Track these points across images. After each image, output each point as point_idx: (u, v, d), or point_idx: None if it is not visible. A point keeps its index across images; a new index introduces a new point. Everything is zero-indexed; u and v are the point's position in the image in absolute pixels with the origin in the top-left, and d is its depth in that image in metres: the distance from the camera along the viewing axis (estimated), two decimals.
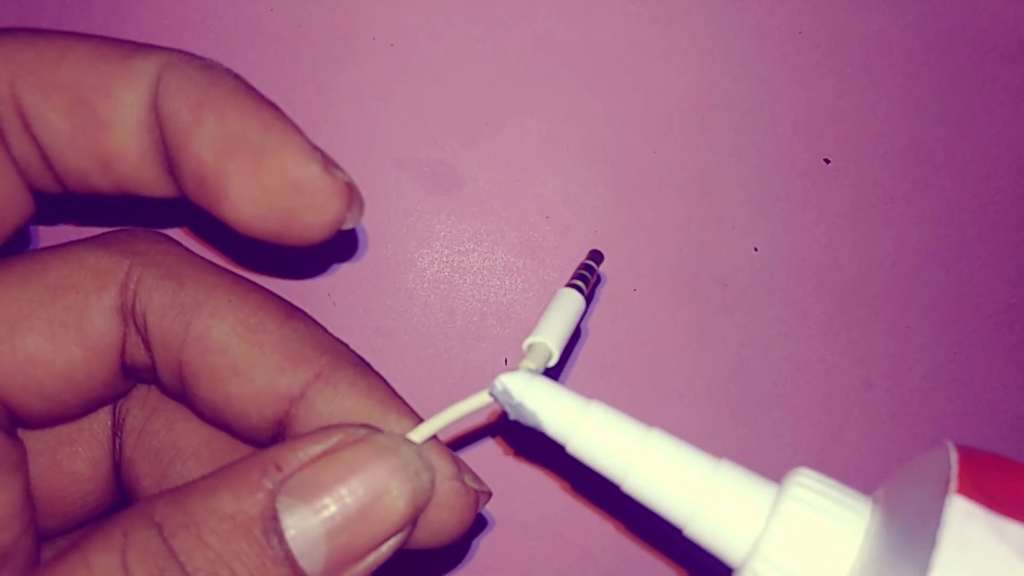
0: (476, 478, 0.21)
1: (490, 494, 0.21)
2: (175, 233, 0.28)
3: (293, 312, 0.21)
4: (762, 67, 0.29)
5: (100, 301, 0.20)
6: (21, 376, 0.20)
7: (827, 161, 0.29)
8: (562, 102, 0.29)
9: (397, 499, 0.18)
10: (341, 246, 0.29)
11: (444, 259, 0.29)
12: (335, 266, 0.29)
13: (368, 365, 0.22)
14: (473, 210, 0.29)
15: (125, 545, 0.16)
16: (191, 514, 0.17)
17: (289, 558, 0.17)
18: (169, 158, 0.20)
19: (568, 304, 0.21)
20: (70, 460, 0.22)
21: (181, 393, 0.21)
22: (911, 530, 0.16)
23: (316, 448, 0.18)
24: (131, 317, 0.21)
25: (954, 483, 0.16)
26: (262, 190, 0.20)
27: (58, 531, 0.22)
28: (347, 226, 0.21)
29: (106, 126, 0.20)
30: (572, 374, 0.29)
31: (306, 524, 0.17)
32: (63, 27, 0.28)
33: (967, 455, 0.17)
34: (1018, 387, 0.29)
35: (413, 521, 0.18)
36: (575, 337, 0.22)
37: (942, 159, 0.29)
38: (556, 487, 0.28)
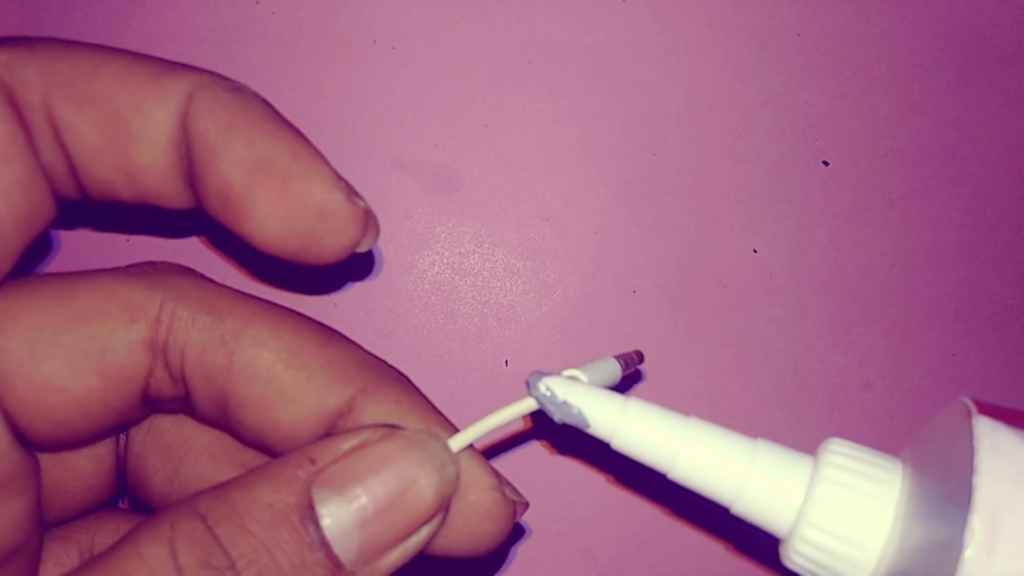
0: (514, 489, 0.21)
1: (527, 504, 0.21)
2: (190, 242, 0.28)
3: (331, 333, 0.22)
4: (761, 69, 0.29)
5: (127, 333, 0.21)
6: (35, 400, 0.20)
7: (826, 163, 0.29)
8: (562, 104, 0.29)
9: (425, 489, 0.19)
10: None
11: (444, 260, 0.29)
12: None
13: (409, 381, 0.22)
14: (473, 212, 0.29)
15: (172, 535, 0.17)
16: (233, 506, 0.18)
17: (325, 545, 0.18)
18: (194, 175, 0.21)
19: (606, 369, 0.21)
20: (74, 455, 0.23)
21: (220, 422, 0.22)
22: (944, 460, 0.18)
23: (347, 444, 0.19)
24: (162, 352, 0.21)
25: (975, 410, 0.18)
26: (286, 213, 0.20)
27: (56, 522, 0.23)
28: (362, 249, 0.22)
29: (136, 142, 0.21)
30: None
31: (340, 513, 0.18)
32: (64, 29, 0.29)
33: (980, 401, 0.18)
34: (1018, 387, 0.29)
35: (441, 512, 0.19)
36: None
37: (941, 160, 0.29)
38: (556, 487, 0.28)
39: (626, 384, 0.28)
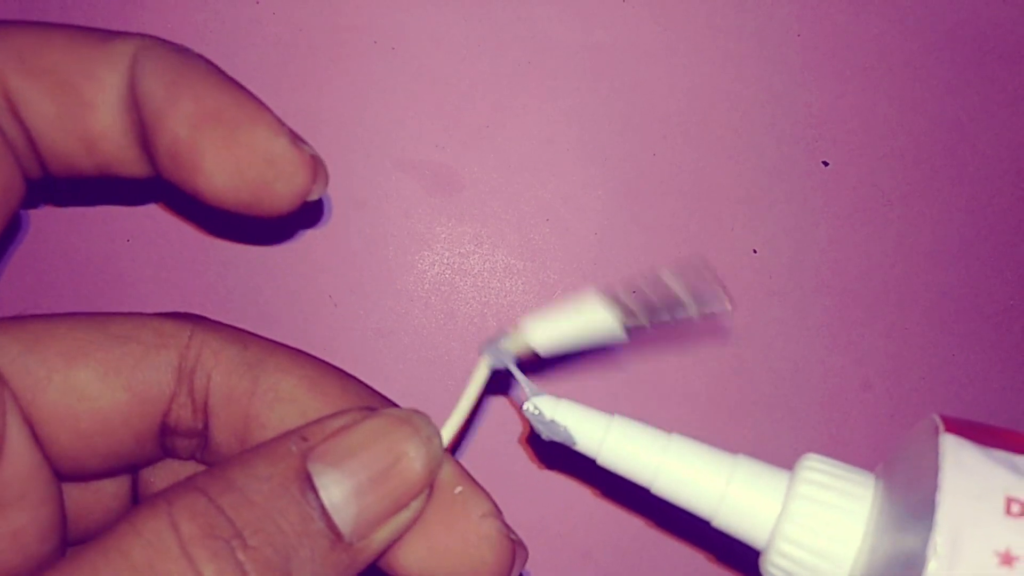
0: (514, 532, 0.22)
1: (527, 553, 0.22)
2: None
3: (347, 373, 0.23)
4: (761, 69, 0.29)
5: (158, 356, 0.21)
6: (63, 408, 0.20)
7: (826, 163, 0.29)
8: (562, 104, 0.29)
9: (414, 461, 0.19)
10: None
11: (444, 261, 0.29)
12: (338, 266, 0.29)
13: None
14: (473, 212, 0.29)
15: (171, 509, 0.17)
16: (232, 480, 0.18)
17: (325, 514, 0.18)
18: (145, 136, 0.21)
19: (584, 312, 0.21)
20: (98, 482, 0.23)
21: (235, 451, 0.22)
22: (912, 475, 0.19)
23: (336, 423, 0.19)
24: (188, 377, 0.22)
25: (942, 427, 0.19)
26: (235, 163, 0.21)
27: (80, 539, 0.23)
28: (313, 197, 0.22)
29: (91, 107, 0.21)
30: (572, 375, 0.29)
31: (337, 485, 0.18)
32: None
33: (949, 417, 0.19)
34: (1018, 387, 0.29)
35: (428, 486, 0.20)
36: (597, 351, 0.23)
37: (941, 160, 0.29)
38: (556, 488, 0.28)
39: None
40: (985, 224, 0.29)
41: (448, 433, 0.21)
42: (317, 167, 0.22)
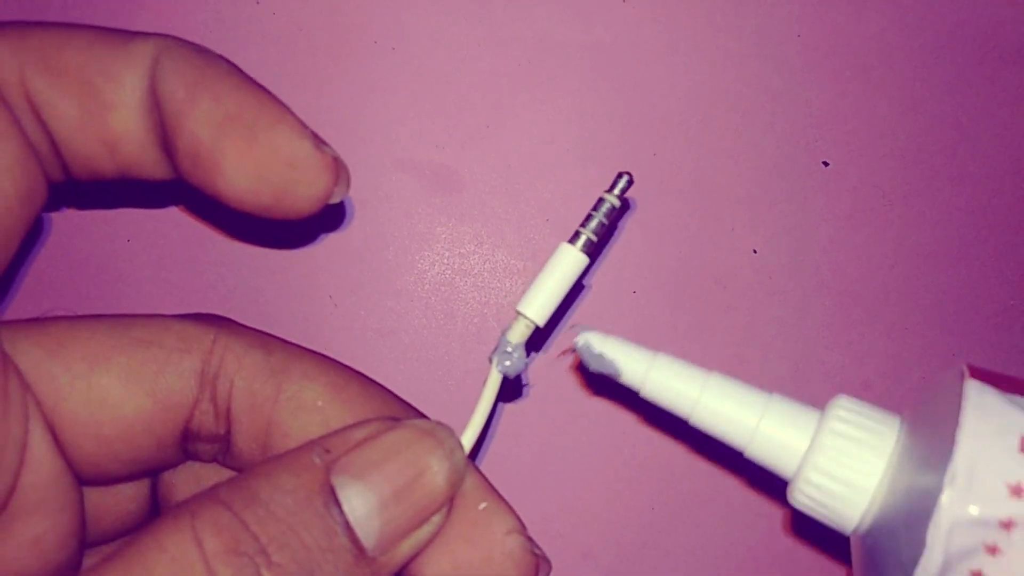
0: (539, 547, 0.22)
1: (550, 566, 0.22)
2: (170, 212, 0.28)
3: (370, 379, 0.23)
4: (761, 69, 0.29)
5: (181, 361, 0.21)
6: (86, 414, 0.20)
7: (826, 163, 0.29)
8: (562, 103, 0.29)
9: (437, 474, 0.19)
10: (328, 220, 0.29)
11: (445, 261, 0.29)
12: (338, 266, 0.29)
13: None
14: (474, 212, 0.29)
15: (195, 523, 0.17)
16: (255, 492, 0.18)
17: (348, 528, 0.18)
18: (165, 138, 0.21)
19: (563, 264, 0.23)
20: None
21: (258, 459, 0.22)
22: (935, 417, 0.20)
23: (359, 434, 0.19)
24: (211, 383, 0.21)
25: (967, 373, 0.20)
26: (256, 165, 0.21)
27: (95, 543, 0.23)
28: (334, 200, 0.22)
29: (112, 108, 0.21)
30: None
31: (360, 498, 0.18)
32: None
33: (975, 366, 0.21)
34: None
35: (449, 500, 0.20)
36: (577, 290, 0.24)
37: (942, 160, 0.29)
38: (556, 488, 0.28)
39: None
40: (985, 224, 0.29)
41: (466, 444, 0.21)
42: (339, 170, 0.22)
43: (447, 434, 0.20)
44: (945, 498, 0.18)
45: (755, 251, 0.29)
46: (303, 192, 0.21)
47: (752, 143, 0.29)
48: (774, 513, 0.28)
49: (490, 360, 0.22)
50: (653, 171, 0.29)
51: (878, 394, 0.29)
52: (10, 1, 0.29)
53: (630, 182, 0.23)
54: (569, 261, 0.22)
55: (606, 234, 0.23)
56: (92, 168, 0.22)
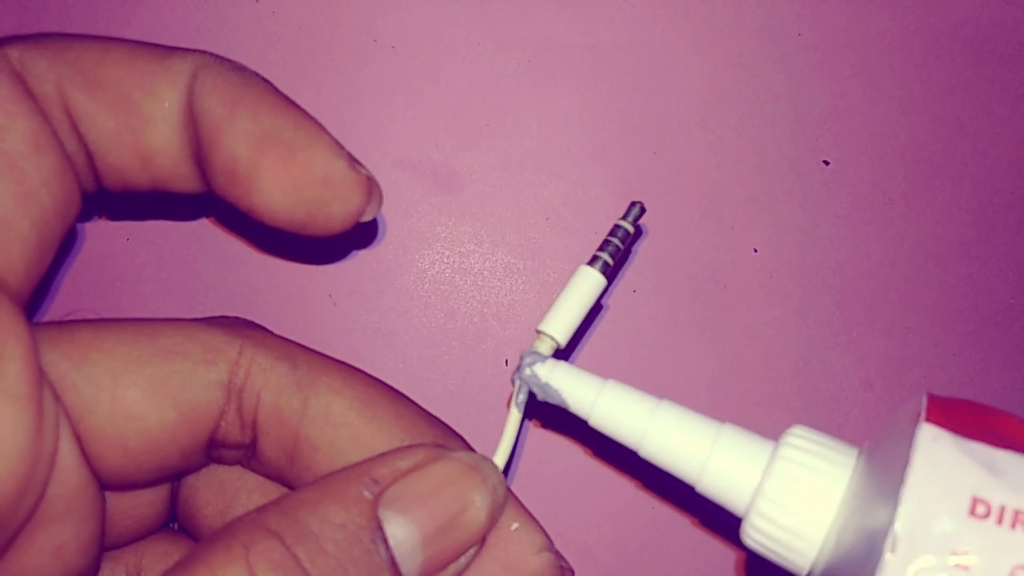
0: (561, 556, 0.22)
1: (573, 572, 0.22)
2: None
3: (397, 392, 0.23)
4: (762, 68, 0.29)
5: (208, 373, 0.21)
6: (111, 427, 0.20)
7: (826, 163, 0.29)
8: (562, 103, 0.29)
9: (479, 511, 0.20)
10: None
11: (445, 260, 0.29)
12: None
13: (464, 438, 0.23)
14: (474, 211, 0.29)
15: (249, 555, 0.17)
16: (306, 525, 0.18)
17: (393, 565, 0.18)
18: (201, 154, 0.21)
19: (582, 285, 0.23)
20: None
21: (284, 469, 0.22)
22: (888, 460, 0.19)
23: (405, 463, 0.19)
24: (237, 395, 0.21)
25: (923, 414, 0.19)
26: (292, 183, 0.21)
27: (111, 547, 0.23)
28: (366, 218, 0.22)
29: (149, 122, 0.21)
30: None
31: (405, 533, 0.18)
32: (63, 29, 0.29)
33: (937, 397, 0.19)
34: (1018, 387, 0.29)
35: (486, 534, 0.20)
36: (595, 311, 0.24)
37: (943, 160, 0.29)
38: (556, 488, 0.28)
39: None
40: (986, 224, 0.29)
41: (500, 459, 0.21)
42: (372, 188, 0.22)
43: (492, 470, 0.20)
44: (886, 563, 0.17)
45: (756, 250, 0.29)
46: (337, 210, 0.22)
47: (753, 142, 0.29)
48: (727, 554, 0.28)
49: (513, 381, 0.22)
50: (653, 171, 0.29)
51: (878, 394, 0.29)
52: (9, 1, 0.29)
53: (642, 211, 0.24)
54: (588, 282, 0.23)
55: (622, 258, 0.24)
56: (126, 180, 0.22)
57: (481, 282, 0.29)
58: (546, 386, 0.22)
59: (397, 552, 0.18)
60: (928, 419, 0.19)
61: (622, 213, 0.24)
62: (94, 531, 0.20)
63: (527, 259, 0.29)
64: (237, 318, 0.23)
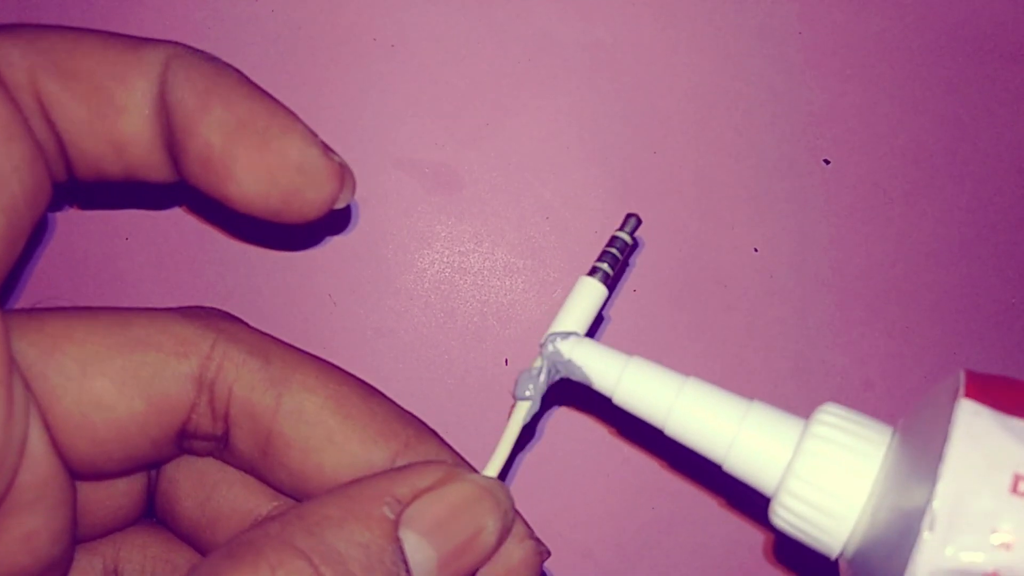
0: (538, 539, 0.22)
1: (549, 553, 0.22)
2: (172, 212, 0.29)
3: (371, 388, 0.23)
4: (762, 67, 0.29)
5: (179, 366, 0.21)
6: (80, 416, 0.20)
7: (827, 162, 0.29)
8: (562, 102, 0.29)
9: (491, 534, 0.20)
10: (333, 224, 0.29)
11: (444, 260, 0.29)
12: (338, 265, 0.29)
13: (439, 435, 0.23)
14: (473, 210, 0.29)
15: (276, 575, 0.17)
16: (332, 544, 0.18)
17: None
18: (175, 143, 0.21)
19: (584, 295, 0.22)
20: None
21: (257, 463, 0.22)
22: (925, 437, 0.18)
23: (423, 482, 0.20)
24: (209, 388, 0.21)
25: (962, 390, 0.18)
26: (267, 170, 0.21)
27: (85, 538, 0.23)
28: (340, 204, 0.23)
29: (122, 111, 0.21)
30: None
31: (423, 556, 0.19)
32: None
33: (976, 373, 0.18)
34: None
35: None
36: (597, 322, 0.23)
37: (942, 159, 0.29)
38: (557, 488, 0.28)
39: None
40: (986, 223, 0.29)
41: (494, 471, 0.21)
42: (345, 176, 0.23)
43: (504, 494, 0.21)
44: (923, 543, 0.16)
45: (756, 250, 0.29)
46: (311, 197, 0.22)
47: (753, 142, 0.29)
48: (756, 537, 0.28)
49: (514, 395, 0.22)
50: (653, 171, 0.29)
51: (879, 394, 0.29)
52: (9, 1, 0.29)
53: (638, 223, 0.23)
54: (590, 292, 0.22)
55: (620, 269, 0.23)
56: (98, 169, 0.22)
57: (481, 282, 0.29)
58: (569, 363, 0.21)
59: (416, 573, 0.19)
60: (967, 395, 0.18)
61: (619, 224, 0.24)
62: (65, 520, 0.20)
63: (527, 259, 0.29)
64: (213, 309, 0.23)
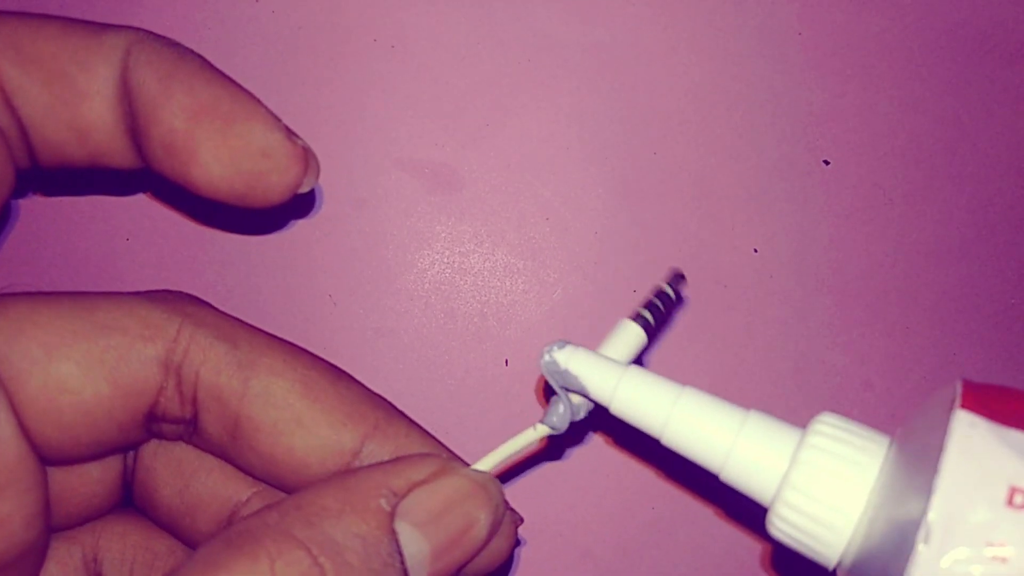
0: (517, 514, 0.23)
1: (522, 519, 0.23)
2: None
3: (339, 371, 0.23)
4: (762, 68, 0.29)
5: (145, 349, 0.21)
6: (45, 401, 0.20)
7: (827, 162, 0.29)
8: (562, 102, 0.29)
9: (482, 528, 0.20)
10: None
11: (444, 260, 0.29)
12: (337, 265, 0.29)
13: (408, 417, 0.23)
14: (473, 211, 0.29)
15: (274, 567, 0.17)
16: (330, 535, 0.18)
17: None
18: (137, 128, 0.22)
19: (623, 337, 0.22)
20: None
21: (227, 446, 0.22)
22: (921, 448, 0.18)
23: (418, 475, 0.20)
24: (176, 372, 0.21)
25: (958, 401, 0.18)
26: (231, 154, 0.21)
27: (61, 527, 0.23)
28: (304, 189, 0.23)
29: (84, 97, 0.21)
30: None
31: (417, 547, 0.19)
32: None
33: (972, 383, 0.18)
34: (1019, 387, 0.29)
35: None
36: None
37: (942, 159, 0.29)
38: (557, 488, 0.28)
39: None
40: (986, 223, 0.29)
41: (483, 468, 0.21)
42: (309, 159, 0.23)
43: (496, 488, 0.21)
44: (918, 555, 0.16)
45: (756, 250, 0.29)
46: (275, 180, 0.22)
47: (752, 142, 0.29)
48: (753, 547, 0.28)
49: (544, 420, 0.22)
50: (653, 171, 0.29)
51: (878, 394, 0.29)
52: (8, 1, 0.29)
53: (681, 279, 0.23)
54: (629, 334, 0.22)
55: (663, 321, 0.23)
56: (62, 155, 0.22)
57: (481, 282, 0.29)
58: (565, 372, 0.21)
59: (410, 564, 0.19)
60: (963, 405, 0.18)
61: (665, 277, 0.23)
62: (37, 504, 0.20)
63: (527, 259, 0.29)
64: (180, 293, 0.23)
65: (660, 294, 0.22)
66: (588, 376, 0.21)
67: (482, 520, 0.20)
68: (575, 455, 0.28)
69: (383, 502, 0.19)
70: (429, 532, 0.19)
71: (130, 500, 0.24)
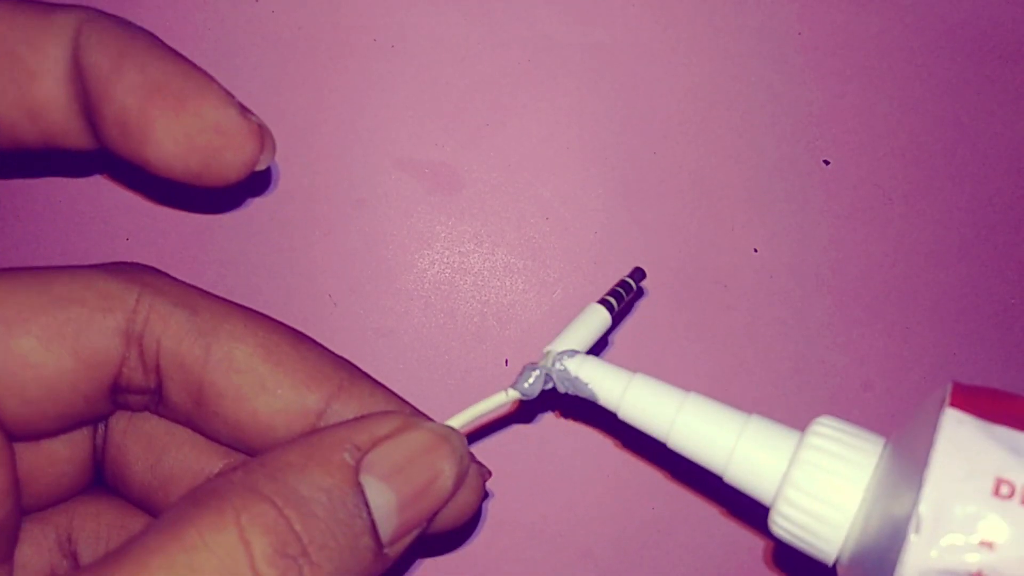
0: (484, 466, 0.23)
1: (490, 473, 0.23)
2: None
3: (301, 334, 0.23)
4: (762, 68, 0.29)
5: (104, 320, 0.21)
6: (7, 376, 0.20)
7: (827, 163, 0.29)
8: (562, 102, 0.29)
9: (448, 479, 0.20)
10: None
11: (444, 260, 0.29)
12: (338, 265, 0.29)
13: (372, 377, 0.23)
14: (473, 211, 0.29)
15: (240, 521, 0.17)
16: (295, 488, 0.18)
17: (373, 529, 0.19)
18: (90, 108, 0.21)
19: (591, 318, 0.23)
20: (48, 441, 0.22)
21: (193, 414, 0.22)
22: (914, 446, 0.19)
23: (381, 429, 0.20)
24: (137, 342, 0.21)
25: (948, 400, 0.19)
26: (185, 132, 0.21)
27: (32, 509, 0.23)
28: (260, 167, 0.23)
29: (35, 77, 0.21)
30: None
31: (384, 499, 0.19)
32: None
33: (962, 384, 0.19)
34: (1018, 387, 0.29)
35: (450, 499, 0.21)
36: (599, 347, 0.24)
37: (942, 159, 0.29)
38: (556, 487, 0.28)
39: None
40: (985, 223, 0.29)
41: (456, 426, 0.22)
42: (265, 136, 0.22)
43: (459, 440, 0.21)
44: (910, 544, 0.17)
45: (756, 250, 0.29)
46: (230, 158, 0.22)
47: (752, 142, 0.29)
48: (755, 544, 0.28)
49: (515, 385, 0.23)
50: (653, 171, 0.29)
51: (877, 394, 0.29)
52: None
53: (643, 275, 0.25)
54: (596, 318, 0.23)
55: (624, 308, 0.25)
56: (14, 137, 0.22)
57: (481, 282, 0.29)
58: (576, 380, 0.22)
59: (376, 516, 0.19)
60: (952, 404, 0.19)
61: (628, 271, 0.25)
62: (5, 479, 0.20)
63: (527, 259, 0.29)
64: (136, 264, 0.23)
65: (623, 284, 0.24)
66: (598, 383, 0.22)
67: (447, 471, 0.20)
68: (575, 454, 0.28)
69: (347, 456, 0.19)
70: (394, 484, 0.19)
71: (103, 480, 0.24)
